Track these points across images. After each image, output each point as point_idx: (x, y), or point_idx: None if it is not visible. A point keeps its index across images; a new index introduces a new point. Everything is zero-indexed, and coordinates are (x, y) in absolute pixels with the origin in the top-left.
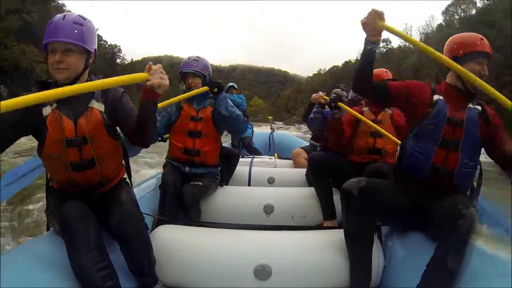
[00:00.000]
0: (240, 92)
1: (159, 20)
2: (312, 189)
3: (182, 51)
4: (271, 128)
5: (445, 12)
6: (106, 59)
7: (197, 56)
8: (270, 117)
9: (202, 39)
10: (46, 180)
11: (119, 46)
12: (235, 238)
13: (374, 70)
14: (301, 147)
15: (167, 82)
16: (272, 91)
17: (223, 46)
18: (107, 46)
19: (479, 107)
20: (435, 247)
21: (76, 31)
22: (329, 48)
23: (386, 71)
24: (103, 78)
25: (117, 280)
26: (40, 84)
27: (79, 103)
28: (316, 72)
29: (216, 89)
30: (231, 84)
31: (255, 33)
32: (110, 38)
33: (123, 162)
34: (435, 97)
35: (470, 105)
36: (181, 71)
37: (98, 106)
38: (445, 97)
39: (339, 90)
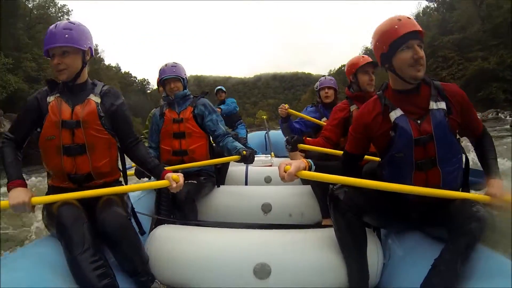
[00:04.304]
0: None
1: (180, 43)
2: (309, 187)
3: (205, 69)
4: (266, 127)
5: None
6: (138, 93)
7: (174, 62)
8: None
9: (223, 55)
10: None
11: (147, 79)
12: (234, 237)
13: (350, 60)
14: None
15: (181, 186)
16: (297, 95)
17: (246, 59)
18: (137, 81)
19: (443, 103)
20: (441, 247)
21: (66, 35)
22: (349, 42)
23: (363, 57)
24: (105, 84)
25: (113, 278)
26: (49, 83)
27: (79, 96)
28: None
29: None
30: (219, 87)
31: (277, 40)
32: (139, 73)
33: (120, 166)
34: (392, 116)
35: (433, 105)
36: (162, 78)
37: (95, 98)
38: (401, 107)
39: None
